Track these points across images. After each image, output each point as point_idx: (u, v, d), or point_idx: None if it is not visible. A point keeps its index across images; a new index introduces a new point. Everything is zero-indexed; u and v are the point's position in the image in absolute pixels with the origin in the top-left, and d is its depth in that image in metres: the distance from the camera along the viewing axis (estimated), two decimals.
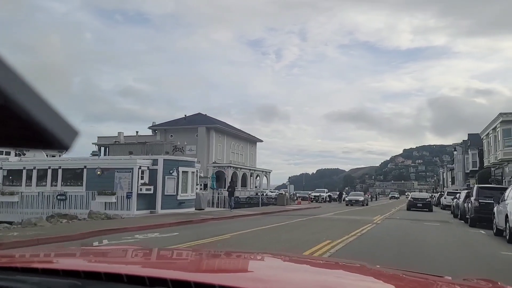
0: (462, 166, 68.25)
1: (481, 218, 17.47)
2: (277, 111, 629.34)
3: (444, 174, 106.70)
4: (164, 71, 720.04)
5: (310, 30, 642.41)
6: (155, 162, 21.62)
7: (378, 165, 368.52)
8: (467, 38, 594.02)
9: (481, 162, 53.75)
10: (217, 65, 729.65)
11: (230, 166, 57.49)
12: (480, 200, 17.52)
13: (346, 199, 40.81)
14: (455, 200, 27.51)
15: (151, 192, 20.94)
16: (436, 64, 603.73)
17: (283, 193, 36.16)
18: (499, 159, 37.80)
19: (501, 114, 36.25)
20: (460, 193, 35.18)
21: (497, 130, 38.07)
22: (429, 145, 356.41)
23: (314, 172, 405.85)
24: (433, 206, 50.25)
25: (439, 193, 54.30)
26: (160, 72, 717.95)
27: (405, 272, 1.79)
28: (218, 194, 30.84)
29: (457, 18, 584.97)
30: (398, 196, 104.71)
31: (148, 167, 21.32)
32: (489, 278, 1.81)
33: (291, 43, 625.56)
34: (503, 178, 41.04)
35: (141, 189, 20.43)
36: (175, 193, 21.86)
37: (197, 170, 25.20)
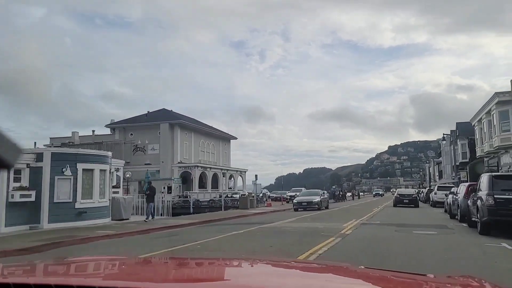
0: (450, 158, 62.97)
1: (499, 222, 11.65)
2: (263, 112, 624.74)
3: (431, 168, 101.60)
4: (147, 75, 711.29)
5: (293, 31, 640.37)
6: (39, 157, 15.33)
7: (364, 162, 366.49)
8: (447, 35, 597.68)
9: (472, 152, 48.45)
10: (201, 68, 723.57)
11: (197, 166, 51.27)
12: (496, 196, 11.66)
13: (294, 201, 28.21)
14: (450, 196, 21.81)
15: (32, 199, 14.67)
16: (418, 61, 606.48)
17: (246, 194, 30.06)
18: (496, 147, 32.31)
19: (496, 94, 30.76)
20: (457, 187, 29.69)
21: (491, 114, 32.61)
22: (414, 141, 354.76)
23: (301, 172, 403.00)
24: (422, 203, 45.13)
25: (427, 188, 48.81)
26: (143, 75, 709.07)
27: (391, 273, 1.77)
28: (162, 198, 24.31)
29: (437, 16, 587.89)
30: (382, 193, 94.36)
31: (28, 164, 15.02)
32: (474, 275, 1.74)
33: (274, 44, 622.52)
34: (500, 168, 35.64)
35: (12, 196, 14.15)
36: (70, 200, 15.60)
37: (114, 168, 18.91)
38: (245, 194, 30.02)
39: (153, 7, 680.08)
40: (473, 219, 13.76)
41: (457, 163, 54.22)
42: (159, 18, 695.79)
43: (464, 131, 49.30)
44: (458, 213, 17.33)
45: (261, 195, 39.92)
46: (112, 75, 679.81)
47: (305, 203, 26.50)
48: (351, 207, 31.93)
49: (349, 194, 60.05)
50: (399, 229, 13.51)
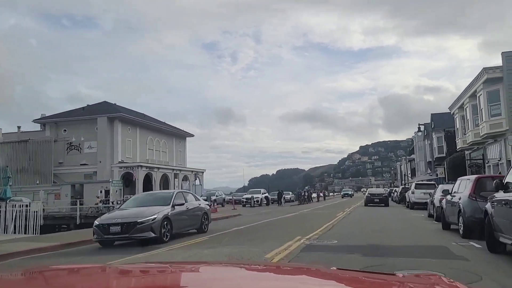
0: (424, 154, 57.62)
1: None
2: (236, 114, 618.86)
3: (402, 166, 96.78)
4: (116, 77, 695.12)
5: (264, 33, 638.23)
6: None
7: (336, 163, 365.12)
8: (415, 37, 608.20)
9: (451, 146, 42.95)
10: (172, 70, 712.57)
11: (141, 166, 43.75)
12: None
13: (95, 224, 11.34)
14: (438, 195, 15.55)
15: None
16: (387, 63, 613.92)
17: None
18: (483, 135, 26.43)
19: (485, 70, 24.85)
20: (440, 183, 23.64)
21: (477, 96, 26.77)
22: (384, 141, 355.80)
23: (275, 173, 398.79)
24: (396, 203, 39.57)
25: (402, 186, 43.02)
26: (112, 77, 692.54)
27: (362, 274, 1.79)
28: (27, 206, 16.45)
29: (405, 19, 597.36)
30: (352, 193, 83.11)
31: None
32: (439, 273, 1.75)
33: (246, 46, 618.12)
34: (486, 162, 30.04)
35: None
36: None
37: None
38: None
39: (122, 8, 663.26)
40: (505, 240, 7.24)
41: (433, 159, 48.83)
42: (130, 19, 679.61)
43: (440, 123, 43.84)
44: (460, 224, 10.86)
45: (203, 198, 33.08)
46: (80, 77, 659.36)
47: (117, 228, 10.69)
48: (311, 212, 25.40)
49: (314, 195, 53.72)
50: (369, 265, 6.81)
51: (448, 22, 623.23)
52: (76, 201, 34.00)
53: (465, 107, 30.52)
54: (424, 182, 28.92)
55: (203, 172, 58.02)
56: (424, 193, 25.98)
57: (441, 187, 16.95)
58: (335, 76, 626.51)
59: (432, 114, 46.17)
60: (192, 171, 55.27)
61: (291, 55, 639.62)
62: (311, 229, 12.96)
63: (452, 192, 12.55)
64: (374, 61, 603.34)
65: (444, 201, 13.39)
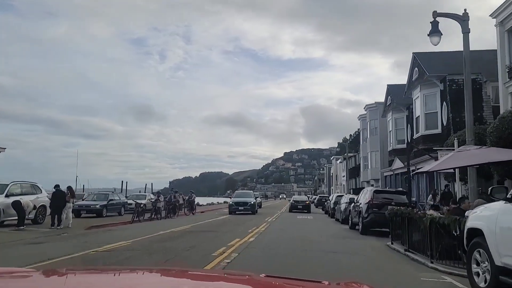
0: (379, 140, 35.47)
1: None
2: (161, 114, 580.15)
3: (333, 168, 75.56)
4: (29, 64, 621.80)
5: (195, 33, 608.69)
6: None
7: (260, 168, 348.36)
8: (341, 52, 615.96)
9: (459, 110, 20.49)
10: (94, 62, 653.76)
11: None
12: None
13: None
14: None
15: None
16: (314, 75, 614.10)
17: None
18: None
19: None
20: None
21: None
22: (308, 148, 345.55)
23: (198, 176, 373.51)
24: (336, 221, 15.94)
25: (374, 188, 19.30)
26: (24, 64, 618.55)
27: (290, 281, 1.74)
28: None
29: (332, 33, 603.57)
30: (258, 201, 36.86)
31: None
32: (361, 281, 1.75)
33: (175, 45, 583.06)
34: None
35: None
36: None
37: None
38: None
39: None
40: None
41: (401, 143, 26.16)
42: (47, 3, 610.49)
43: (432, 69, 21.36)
44: None
45: None
46: None
47: None
48: None
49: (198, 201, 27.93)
50: None
51: (370, 41, 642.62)
52: None
53: None
54: None
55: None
56: None
57: None
58: (263, 83, 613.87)
59: (414, 54, 23.05)
60: None
61: (221, 58, 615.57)
62: None
63: None
64: (302, 71, 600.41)
65: None
